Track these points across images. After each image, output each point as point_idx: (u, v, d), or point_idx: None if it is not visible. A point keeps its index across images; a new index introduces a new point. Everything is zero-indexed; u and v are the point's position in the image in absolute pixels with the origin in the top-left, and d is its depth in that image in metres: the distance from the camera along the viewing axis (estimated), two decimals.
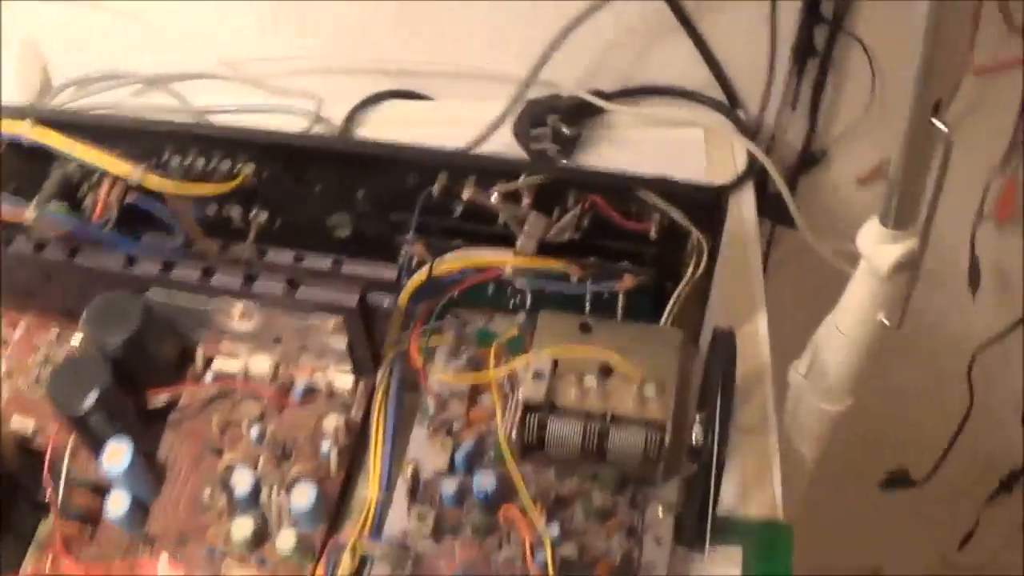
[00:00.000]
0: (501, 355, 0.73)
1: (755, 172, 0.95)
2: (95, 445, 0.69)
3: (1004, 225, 1.14)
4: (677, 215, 0.70)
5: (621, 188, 0.70)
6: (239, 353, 0.74)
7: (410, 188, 0.72)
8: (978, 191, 1.06)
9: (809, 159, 1.08)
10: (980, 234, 1.09)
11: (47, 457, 0.70)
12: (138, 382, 0.72)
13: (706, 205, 0.69)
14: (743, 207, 0.92)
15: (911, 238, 0.70)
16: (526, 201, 0.70)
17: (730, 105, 1.02)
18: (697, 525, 0.66)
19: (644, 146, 0.98)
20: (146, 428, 0.72)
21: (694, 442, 0.67)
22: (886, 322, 0.74)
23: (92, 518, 0.69)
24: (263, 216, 0.76)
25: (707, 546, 0.67)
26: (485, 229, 0.73)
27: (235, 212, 0.77)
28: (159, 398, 0.72)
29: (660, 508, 0.69)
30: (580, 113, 0.98)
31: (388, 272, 0.74)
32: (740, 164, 0.96)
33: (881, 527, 1.57)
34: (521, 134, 0.97)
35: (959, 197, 0.99)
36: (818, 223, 1.01)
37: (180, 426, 0.73)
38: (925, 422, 1.33)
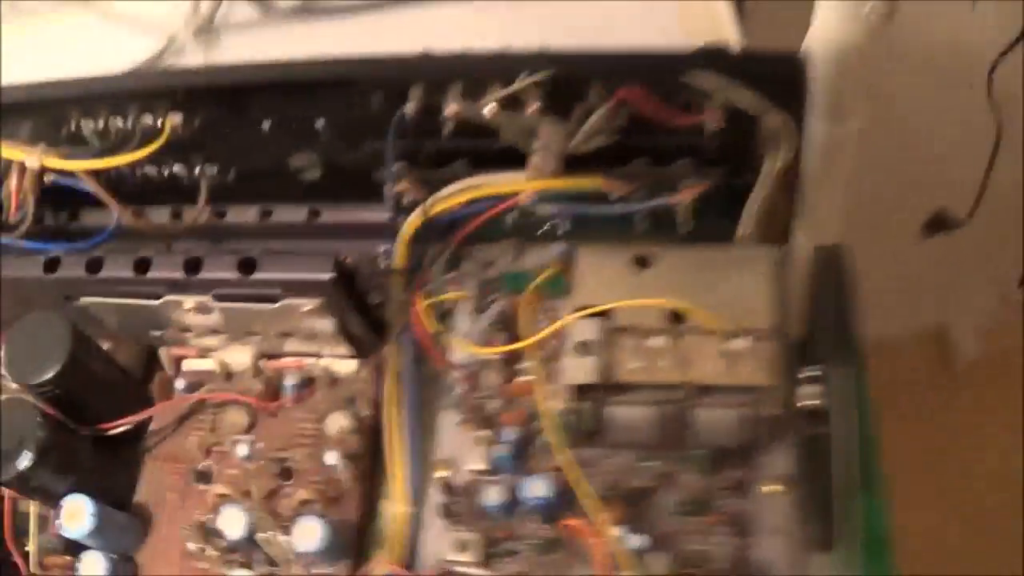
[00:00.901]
0: (538, 304, 0.57)
1: None
2: (49, 501, 0.56)
3: None
4: (745, 97, 0.50)
5: (662, 72, 0.51)
6: (211, 347, 0.59)
7: (379, 111, 0.54)
8: None
9: None
10: None
11: (5, 521, 0.56)
12: (91, 411, 0.57)
13: (782, 78, 0.50)
14: None
15: None
16: (532, 107, 0.52)
17: None
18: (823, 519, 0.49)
19: None
20: (113, 465, 0.58)
21: (808, 403, 0.50)
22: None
23: None
24: (212, 170, 0.60)
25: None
26: (489, 145, 0.55)
27: (179, 169, 0.60)
28: (117, 426, 0.57)
29: (772, 485, 0.52)
30: None
31: (377, 215, 0.58)
32: None
33: (935, 280, 1.39)
34: None
35: None
36: None
37: (156, 452, 0.58)
38: (957, 158, 1.11)
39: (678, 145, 0.53)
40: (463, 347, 0.56)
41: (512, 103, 0.52)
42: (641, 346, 0.51)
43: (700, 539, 0.51)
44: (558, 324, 0.53)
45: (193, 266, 0.54)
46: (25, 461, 0.52)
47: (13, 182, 0.59)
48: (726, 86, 0.50)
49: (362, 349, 0.57)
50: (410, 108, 0.53)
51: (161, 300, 0.55)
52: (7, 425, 0.53)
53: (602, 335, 0.51)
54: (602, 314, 0.52)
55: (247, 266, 0.53)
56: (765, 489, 0.51)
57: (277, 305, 0.54)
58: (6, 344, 0.55)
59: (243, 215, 0.60)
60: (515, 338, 0.56)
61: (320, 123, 0.56)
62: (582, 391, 0.51)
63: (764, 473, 0.52)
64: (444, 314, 0.57)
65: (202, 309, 0.55)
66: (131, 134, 0.57)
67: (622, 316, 0.52)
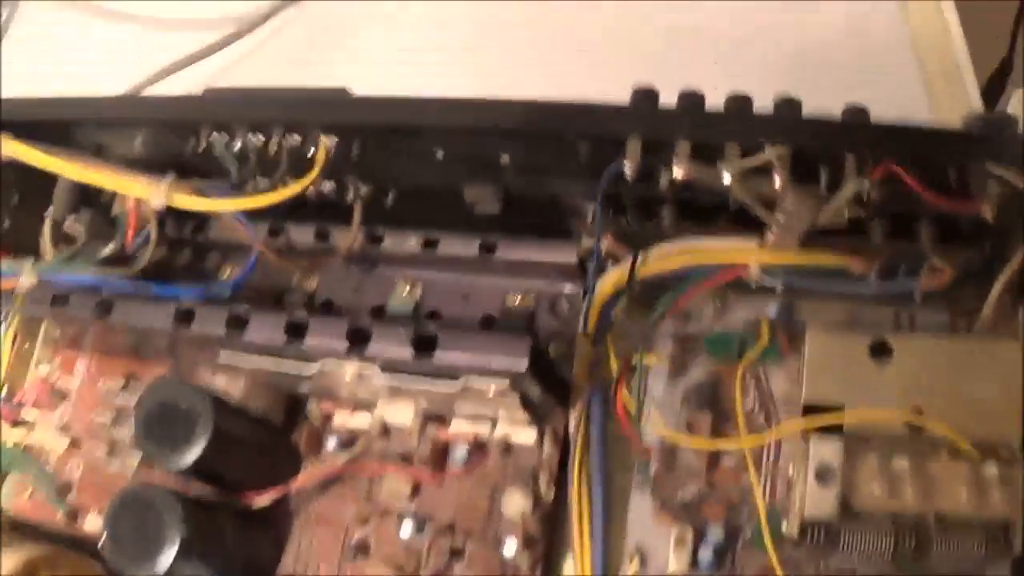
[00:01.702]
0: (749, 377, 0.49)
1: None
2: None
3: None
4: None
5: (939, 154, 0.42)
6: (368, 402, 0.52)
7: (585, 161, 0.46)
8: None
9: None
10: None
11: None
12: (234, 478, 0.50)
13: None
14: None
15: None
16: (778, 177, 0.43)
17: None
18: None
19: None
20: (257, 536, 0.51)
21: None
22: None
23: None
24: (367, 190, 0.51)
25: None
26: (704, 200, 0.46)
27: (327, 186, 0.51)
28: (265, 499, 0.51)
29: None
30: None
31: (560, 254, 0.50)
32: None
33: None
34: None
35: None
36: None
37: (305, 518, 0.52)
38: None
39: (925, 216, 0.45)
40: (658, 426, 0.49)
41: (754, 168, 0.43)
42: (883, 467, 0.44)
43: None
44: (788, 430, 0.46)
45: (359, 338, 0.46)
46: (167, 560, 0.46)
47: (131, 203, 0.51)
48: (1008, 173, 0.41)
49: (541, 414, 0.50)
50: (628, 166, 0.44)
51: (317, 365, 0.48)
52: (142, 518, 0.47)
53: (843, 457, 0.44)
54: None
55: (425, 345, 0.46)
56: None
57: (455, 384, 0.46)
58: (138, 420, 0.48)
59: (403, 242, 0.52)
60: (719, 412, 0.49)
61: (505, 159, 0.47)
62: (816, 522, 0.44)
63: None
64: (633, 372, 0.50)
65: (364, 377, 0.48)
66: (276, 157, 0.49)
67: (861, 422, 0.45)
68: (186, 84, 0.70)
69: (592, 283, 0.48)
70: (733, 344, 0.49)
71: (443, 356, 0.45)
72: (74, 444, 0.56)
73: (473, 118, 0.44)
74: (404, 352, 0.46)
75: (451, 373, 0.46)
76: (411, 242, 0.51)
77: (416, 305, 0.52)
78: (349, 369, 0.47)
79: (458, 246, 0.51)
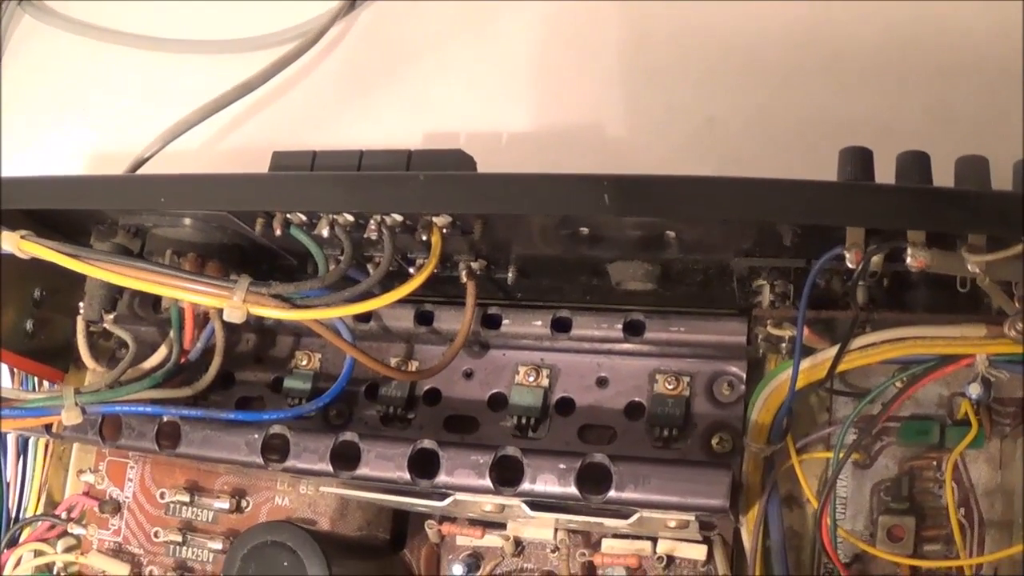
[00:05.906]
0: (960, 472, 0.41)
1: None
2: None
3: None
4: None
5: None
6: (496, 521, 0.43)
7: (788, 243, 0.37)
8: None
9: None
10: None
11: None
12: None
13: None
14: None
15: None
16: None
17: None
18: None
19: None
20: None
21: None
22: None
23: None
24: (479, 266, 0.41)
25: None
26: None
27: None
28: None
29: None
30: None
31: (727, 332, 0.41)
32: None
33: None
34: None
35: None
36: None
37: None
38: None
39: None
40: (845, 536, 0.41)
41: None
42: None
43: None
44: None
45: (507, 474, 0.37)
46: None
47: (187, 308, 0.41)
48: None
49: (707, 522, 0.42)
50: (851, 256, 0.35)
51: (445, 503, 0.39)
52: None
53: None
54: None
55: (594, 482, 0.37)
56: None
57: (625, 522, 0.38)
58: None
59: (526, 323, 0.42)
60: (917, 511, 0.41)
61: (671, 235, 0.37)
62: None
63: None
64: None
65: (506, 507, 0.39)
66: (372, 244, 0.39)
67: None
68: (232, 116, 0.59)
69: (794, 379, 0.39)
70: (933, 432, 0.41)
71: (618, 495, 0.37)
72: (136, 568, 0.47)
73: (654, 208, 0.35)
74: (568, 490, 0.37)
75: (623, 510, 0.38)
76: (536, 322, 0.42)
77: (544, 393, 0.43)
78: (488, 504, 0.39)
79: (595, 325, 0.42)
